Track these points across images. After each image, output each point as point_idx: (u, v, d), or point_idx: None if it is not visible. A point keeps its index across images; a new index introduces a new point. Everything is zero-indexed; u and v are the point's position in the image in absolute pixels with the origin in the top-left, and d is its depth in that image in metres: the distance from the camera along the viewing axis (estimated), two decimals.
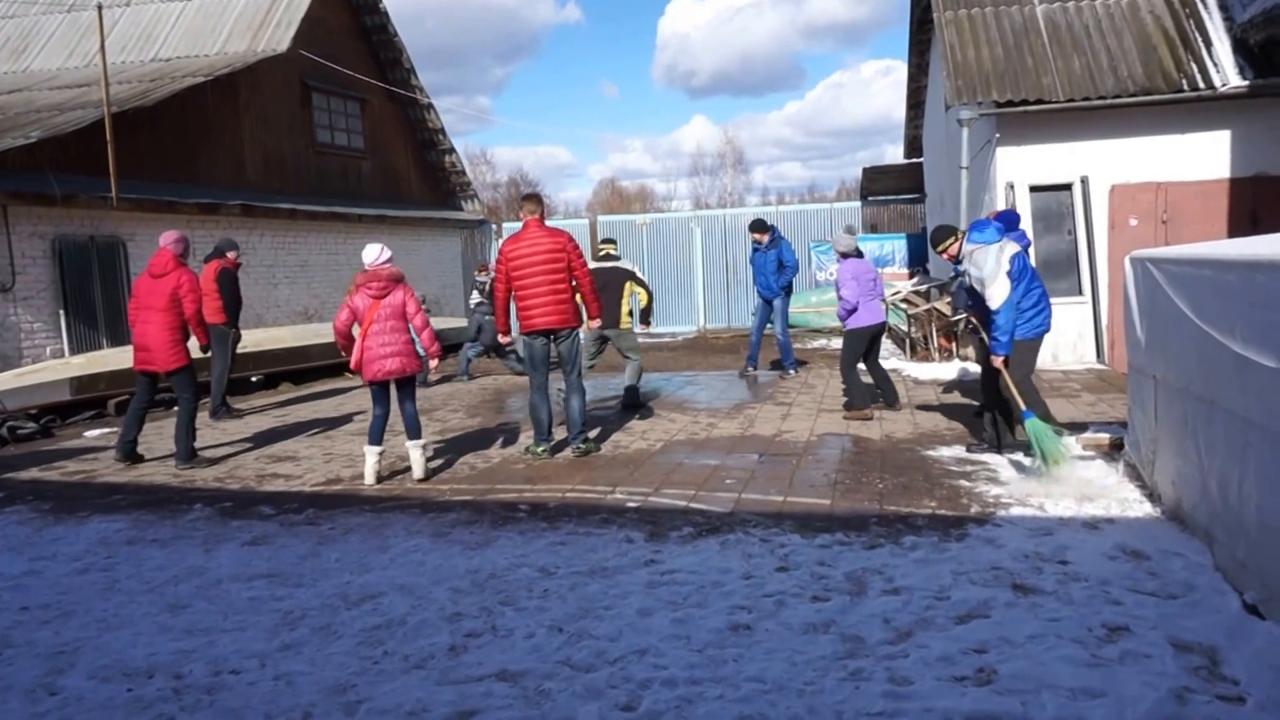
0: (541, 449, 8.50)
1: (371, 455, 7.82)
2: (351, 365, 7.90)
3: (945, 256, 7.69)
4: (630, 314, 10.91)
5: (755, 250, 12.81)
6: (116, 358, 12.54)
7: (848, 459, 7.91)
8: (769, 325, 13.00)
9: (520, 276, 8.16)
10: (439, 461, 8.53)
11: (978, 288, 7.28)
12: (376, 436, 7.87)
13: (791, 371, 13.02)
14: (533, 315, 8.16)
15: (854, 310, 9.78)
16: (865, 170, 22.67)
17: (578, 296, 8.40)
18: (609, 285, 10.60)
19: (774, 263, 12.50)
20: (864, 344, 9.91)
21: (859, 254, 10.12)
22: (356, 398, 13.24)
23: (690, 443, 8.92)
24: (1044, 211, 12.95)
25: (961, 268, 7.50)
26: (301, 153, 19.00)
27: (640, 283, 10.92)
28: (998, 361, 7.22)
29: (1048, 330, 7.44)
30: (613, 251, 11.11)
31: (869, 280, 9.89)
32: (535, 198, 8.41)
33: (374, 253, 8.11)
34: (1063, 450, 6.74)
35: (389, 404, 7.97)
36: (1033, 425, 6.87)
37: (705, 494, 6.94)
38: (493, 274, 9.80)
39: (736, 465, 7.88)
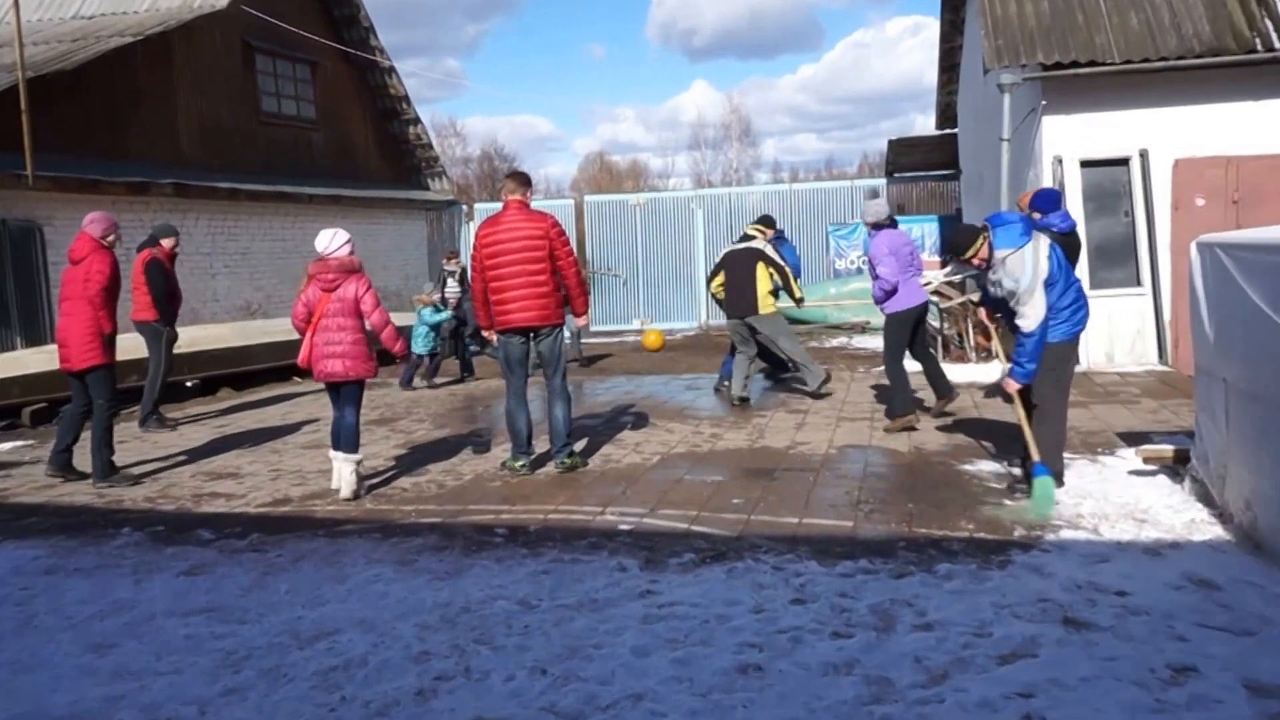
0: (520, 464, 8.49)
1: (347, 466, 7.90)
2: (299, 361, 7.98)
3: (976, 262, 7.12)
4: (774, 294, 11.32)
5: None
6: (32, 360, 12.53)
7: (872, 475, 7.92)
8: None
9: (495, 266, 8.17)
10: (405, 481, 8.52)
11: (1010, 303, 6.90)
12: (349, 444, 7.99)
13: (726, 383, 12.54)
14: (509, 310, 8.17)
15: (894, 291, 9.61)
16: (891, 143, 22.69)
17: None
18: (737, 269, 11.21)
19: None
20: (908, 330, 9.76)
21: (893, 223, 10.00)
22: (307, 405, 13.22)
23: (691, 456, 8.92)
24: (1096, 190, 12.97)
25: (993, 276, 7.01)
26: (244, 124, 19.01)
27: (770, 262, 11.32)
28: (1012, 387, 6.97)
29: (1084, 329, 7.28)
30: (751, 231, 11.65)
31: (907, 254, 9.76)
32: (520, 176, 8.43)
33: (326, 239, 8.16)
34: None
35: None
36: (1042, 488, 6.69)
37: (709, 515, 6.93)
38: (465, 263, 9.86)
39: (744, 482, 7.87)
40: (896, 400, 9.68)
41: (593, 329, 23.36)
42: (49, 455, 9.20)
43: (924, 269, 19.27)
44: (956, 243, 7.16)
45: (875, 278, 9.71)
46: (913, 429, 9.53)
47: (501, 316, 8.21)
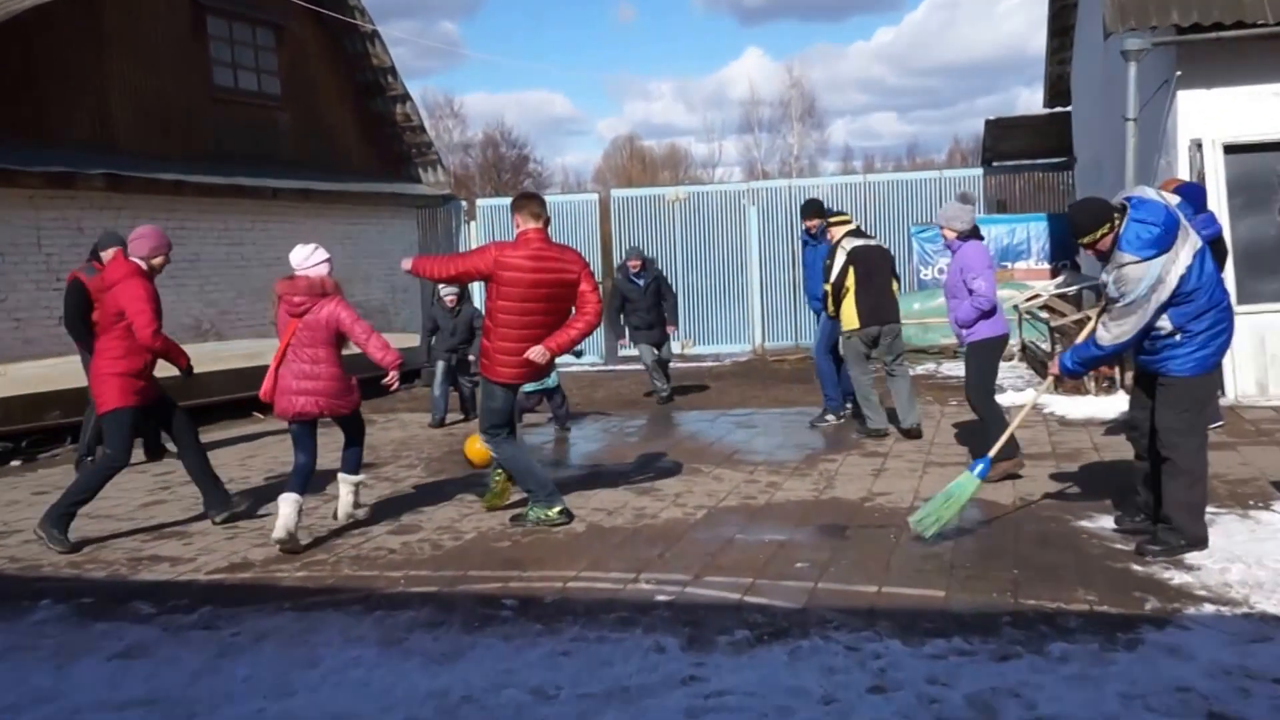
0: (557, 510, 8.64)
1: (288, 504, 8.09)
2: (261, 393, 8.11)
3: (1092, 252, 7.08)
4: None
5: (806, 242, 12.86)
6: None
7: (968, 533, 7.88)
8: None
9: (507, 296, 8.39)
10: (392, 541, 8.55)
11: (1107, 305, 6.99)
12: (297, 485, 8.23)
13: (830, 418, 12.91)
14: (507, 364, 8.49)
15: (991, 312, 9.66)
16: (989, 124, 22.70)
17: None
18: (873, 266, 11.69)
19: (819, 262, 12.53)
20: (997, 361, 9.94)
21: (978, 234, 10.06)
22: (271, 447, 13.30)
23: (744, 510, 8.91)
24: (1243, 181, 12.89)
25: (1104, 277, 6.97)
26: (192, 101, 19.20)
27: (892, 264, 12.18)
28: (1053, 369, 7.41)
29: (1223, 357, 7.20)
30: (840, 221, 12.10)
31: (991, 273, 9.89)
32: (539, 201, 8.70)
33: (302, 254, 8.39)
34: (948, 522, 7.14)
35: (315, 449, 8.38)
36: (960, 487, 7.33)
37: (766, 583, 6.91)
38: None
39: (810, 542, 7.85)
40: (1001, 441, 9.61)
41: (621, 353, 23.41)
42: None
43: (1028, 282, 19.39)
44: (1077, 221, 7.05)
45: (957, 297, 9.73)
46: (1016, 476, 9.51)
47: (500, 368, 8.51)
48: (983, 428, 9.80)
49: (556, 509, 8.64)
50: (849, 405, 12.84)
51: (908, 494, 9.12)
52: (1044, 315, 15.62)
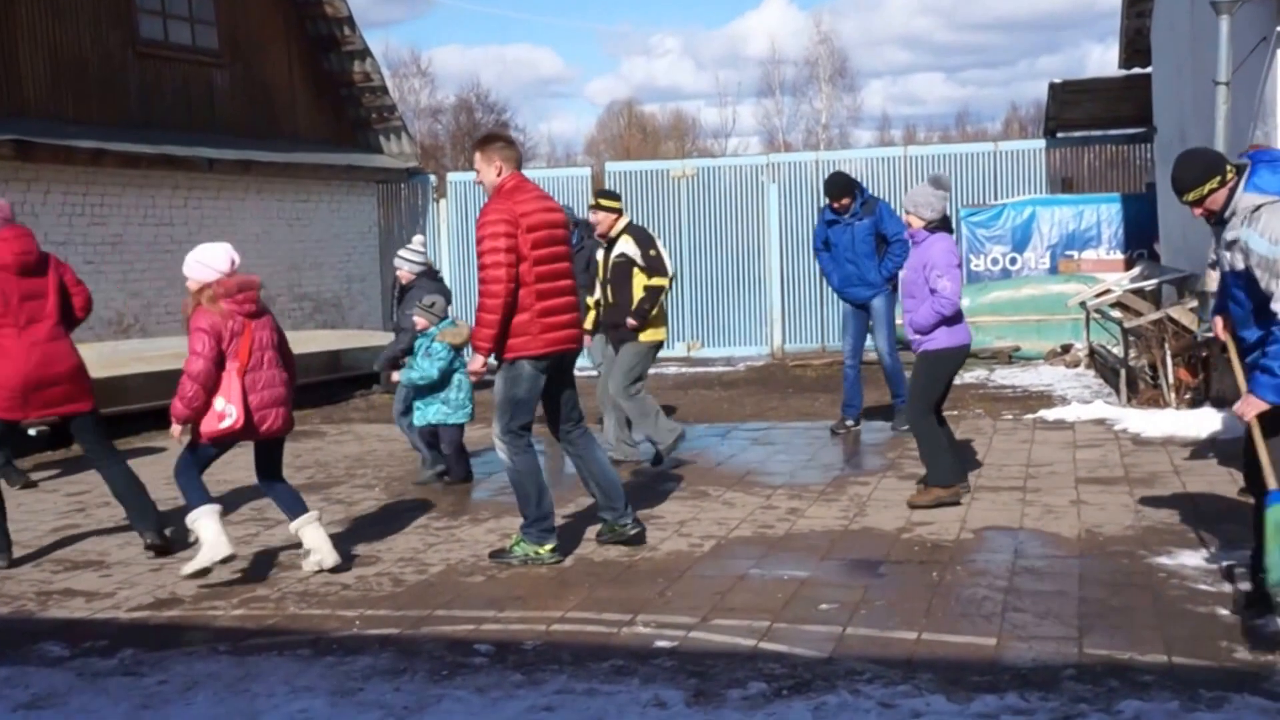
0: (550, 548, 8.61)
1: (208, 517, 8.25)
2: (234, 425, 8.16)
3: (1199, 212, 6.93)
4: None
5: (832, 222, 12.85)
6: None
7: (1025, 570, 7.89)
8: (869, 343, 13.05)
9: (548, 258, 8.45)
10: (346, 575, 8.56)
11: (1258, 275, 6.56)
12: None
13: (850, 422, 13.23)
14: (557, 324, 8.50)
15: (954, 318, 9.78)
16: (1054, 88, 22.68)
17: None
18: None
19: (869, 239, 12.56)
20: (949, 377, 10.06)
21: (949, 226, 10.15)
22: None
23: (760, 541, 8.94)
24: None
25: (1229, 235, 6.68)
26: (114, 56, 19.17)
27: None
28: (1251, 410, 6.71)
29: None
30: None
31: (958, 273, 10.01)
32: (507, 140, 8.78)
33: (224, 253, 8.73)
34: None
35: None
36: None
37: (786, 627, 6.93)
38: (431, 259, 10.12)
39: (837, 580, 7.87)
40: (935, 464, 9.83)
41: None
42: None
43: (1098, 274, 19.39)
44: (1181, 173, 6.87)
45: (915, 297, 9.82)
46: (955, 501, 9.69)
47: (550, 333, 8.43)
48: (922, 449, 9.93)
49: (549, 546, 8.61)
50: (850, 422, 13.29)
51: (952, 524, 9.14)
52: (1116, 314, 15.62)
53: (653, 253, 11.56)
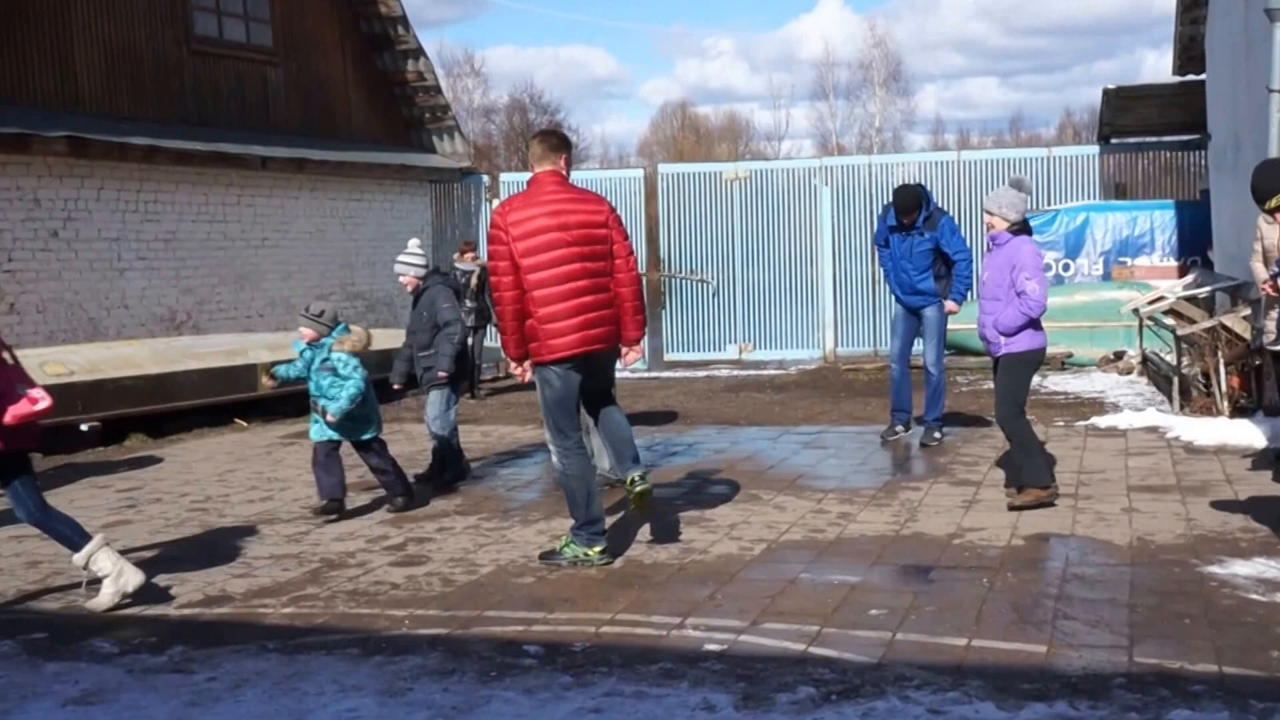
0: (599, 550, 8.57)
1: (100, 550, 7.75)
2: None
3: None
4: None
5: (893, 229, 12.77)
6: None
7: (1075, 578, 7.85)
8: (917, 348, 12.97)
9: (538, 266, 8.29)
10: (395, 574, 8.59)
11: None
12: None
13: (938, 435, 12.94)
14: (562, 330, 8.32)
15: (1035, 321, 9.78)
16: (1108, 94, 22.57)
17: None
18: None
19: (927, 254, 12.47)
20: (1030, 378, 10.10)
21: (1029, 228, 10.13)
22: (255, 460, 13.44)
23: (810, 545, 8.91)
24: None
25: None
26: (169, 54, 19.30)
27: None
28: None
29: None
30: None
31: (1044, 275, 10.00)
32: (554, 137, 8.67)
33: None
34: None
35: None
36: None
37: (836, 632, 6.91)
38: (483, 260, 10.02)
39: (888, 585, 7.85)
40: (1030, 465, 9.82)
41: (667, 358, 23.43)
42: None
43: (1151, 281, 19.27)
44: (1261, 182, 6.93)
45: (999, 299, 9.79)
46: (1050, 503, 9.67)
47: (555, 339, 8.31)
48: (1016, 451, 9.93)
49: (598, 549, 8.59)
50: (900, 427, 13.10)
51: (1004, 530, 9.10)
52: (1169, 322, 15.52)
53: None
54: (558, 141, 8.63)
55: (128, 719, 6.01)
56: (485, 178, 25.28)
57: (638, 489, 8.66)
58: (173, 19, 19.32)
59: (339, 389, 10.12)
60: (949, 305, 12.48)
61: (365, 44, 23.48)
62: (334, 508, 10.29)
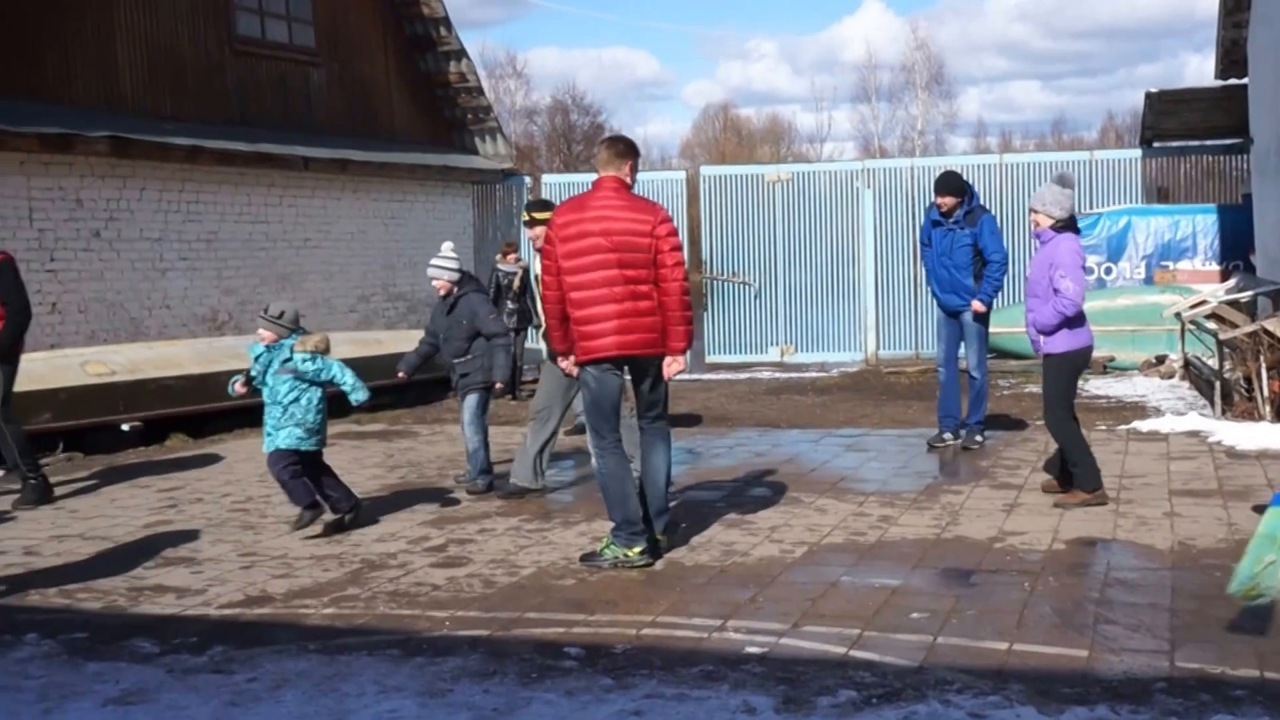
0: (638, 551, 8.58)
1: None
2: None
3: None
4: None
5: (936, 224, 12.68)
6: None
7: (1117, 582, 7.83)
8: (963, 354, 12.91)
9: (576, 270, 8.43)
10: (436, 574, 8.62)
11: None
12: None
13: (979, 439, 12.86)
14: (599, 333, 8.44)
15: (1076, 320, 9.77)
16: (1150, 97, 22.44)
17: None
18: None
19: (967, 249, 12.39)
20: (1077, 378, 10.13)
21: (1075, 226, 10.13)
22: None
23: (851, 548, 8.90)
24: None
25: None
26: (211, 54, 19.39)
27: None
28: None
29: None
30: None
31: (1083, 274, 9.97)
32: (619, 144, 8.83)
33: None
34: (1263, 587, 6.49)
35: None
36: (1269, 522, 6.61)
37: (876, 635, 6.89)
38: (524, 262, 10.05)
39: (929, 589, 7.84)
40: (1082, 466, 9.85)
41: (709, 360, 23.43)
42: None
43: (1193, 285, 19.18)
44: None
45: (1039, 296, 9.82)
46: (1103, 503, 9.70)
47: (589, 341, 8.47)
48: (1067, 453, 9.95)
49: (638, 549, 8.58)
50: (947, 434, 12.95)
51: (1045, 534, 9.07)
52: (1211, 326, 15.43)
53: None
54: (624, 148, 8.77)
55: (169, 719, 6.03)
56: (527, 179, 25.33)
57: (644, 562, 8.61)
58: (215, 19, 19.41)
59: (302, 393, 9.84)
60: (974, 305, 12.39)
61: (408, 45, 23.55)
62: (311, 517, 9.96)
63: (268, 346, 10.05)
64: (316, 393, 9.95)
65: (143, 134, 17.22)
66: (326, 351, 10.01)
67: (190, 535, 9.99)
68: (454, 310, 11.38)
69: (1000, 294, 13.04)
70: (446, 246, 11.76)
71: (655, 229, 8.45)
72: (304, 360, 9.85)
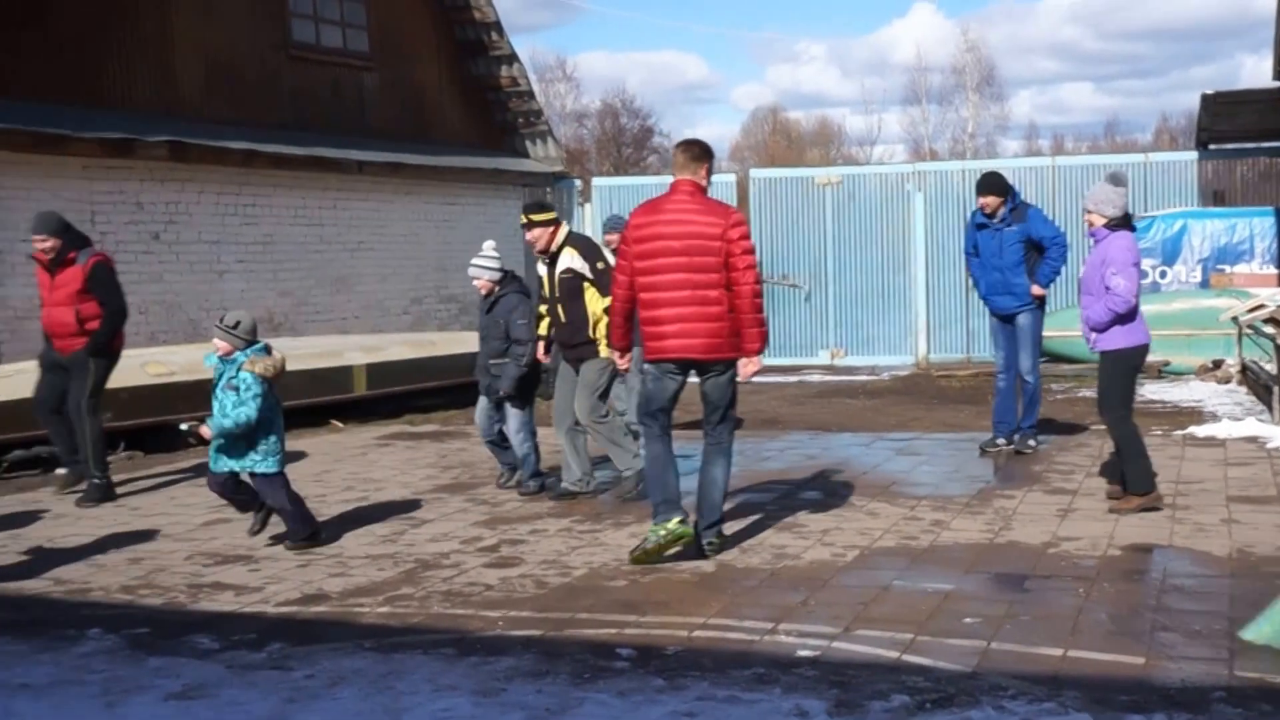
0: (675, 521, 8.67)
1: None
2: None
3: None
4: None
5: (981, 227, 12.61)
6: None
7: (1174, 588, 7.78)
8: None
9: (650, 271, 8.62)
10: (490, 575, 8.66)
11: None
12: None
13: (1032, 443, 12.75)
14: (664, 334, 8.61)
15: (1130, 316, 9.75)
16: (1206, 99, 22.31)
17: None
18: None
19: (1017, 247, 12.31)
20: (1135, 376, 10.11)
21: (1130, 224, 10.08)
22: (350, 460, 13.60)
23: (904, 552, 8.90)
24: None
25: None
26: (268, 59, 19.55)
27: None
28: None
29: None
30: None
31: (1136, 271, 9.93)
32: (695, 147, 8.97)
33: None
34: None
35: None
36: None
37: (929, 640, 6.88)
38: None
39: (982, 594, 7.81)
40: (1135, 468, 9.82)
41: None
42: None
43: (1250, 289, 19.03)
44: None
45: (1093, 294, 9.79)
46: (1158, 508, 9.65)
47: (653, 341, 8.67)
48: (1123, 454, 9.92)
49: (676, 519, 8.68)
50: (1001, 440, 12.85)
51: (1100, 540, 9.02)
52: (1269, 330, 15.32)
53: (601, 265, 10.78)
54: (699, 151, 8.91)
55: (228, 714, 6.08)
56: (577, 182, 25.38)
57: (703, 543, 8.82)
58: (272, 26, 19.58)
59: (236, 407, 9.25)
60: (1034, 289, 12.26)
61: (459, 49, 23.64)
62: (257, 529, 9.65)
63: (222, 358, 9.46)
64: (268, 410, 9.36)
65: (201, 138, 17.40)
66: (278, 377, 9.45)
67: (247, 534, 10.04)
68: (493, 310, 11.30)
69: (1053, 293, 12.94)
70: (488, 245, 11.61)
71: (727, 232, 8.56)
72: (244, 383, 9.27)
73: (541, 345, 11.15)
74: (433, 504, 11.05)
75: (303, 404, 15.80)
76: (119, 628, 7.54)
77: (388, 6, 21.91)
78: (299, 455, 13.97)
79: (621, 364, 9.35)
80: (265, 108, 19.31)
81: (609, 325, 9.16)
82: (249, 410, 9.18)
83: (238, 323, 9.39)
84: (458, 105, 23.64)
